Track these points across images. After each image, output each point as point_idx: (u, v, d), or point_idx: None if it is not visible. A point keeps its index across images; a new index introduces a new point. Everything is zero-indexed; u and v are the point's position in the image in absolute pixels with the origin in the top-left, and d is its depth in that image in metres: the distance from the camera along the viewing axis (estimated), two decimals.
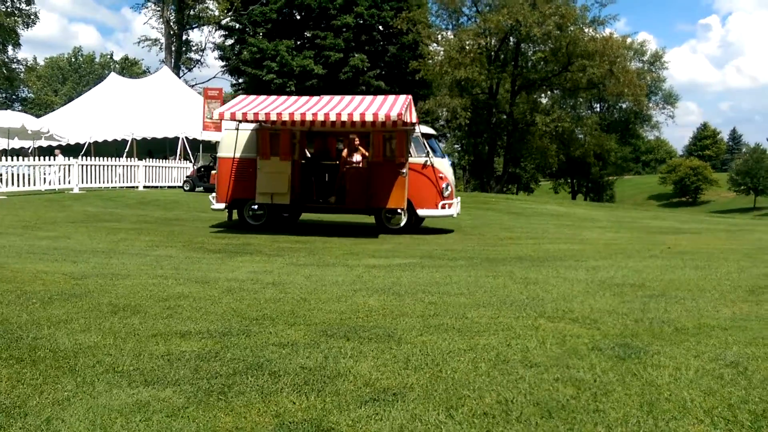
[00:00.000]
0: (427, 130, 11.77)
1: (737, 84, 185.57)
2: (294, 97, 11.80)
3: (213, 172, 21.04)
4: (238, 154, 11.61)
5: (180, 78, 40.01)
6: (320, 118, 10.29)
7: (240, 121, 11.12)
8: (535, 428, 2.25)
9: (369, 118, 10.10)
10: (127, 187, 21.08)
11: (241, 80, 44.03)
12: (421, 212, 11.28)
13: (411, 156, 11.07)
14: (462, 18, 40.32)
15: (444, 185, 11.30)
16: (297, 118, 10.40)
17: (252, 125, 11.56)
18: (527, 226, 13.12)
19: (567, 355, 3.11)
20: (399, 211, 11.37)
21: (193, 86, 43.89)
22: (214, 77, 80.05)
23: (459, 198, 11.99)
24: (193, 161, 23.18)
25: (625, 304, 4.30)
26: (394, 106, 10.44)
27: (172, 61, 42.71)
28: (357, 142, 11.25)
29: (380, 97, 11.32)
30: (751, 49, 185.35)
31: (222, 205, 11.77)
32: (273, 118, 10.41)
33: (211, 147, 25.24)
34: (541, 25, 33.75)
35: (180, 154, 24.23)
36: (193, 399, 2.59)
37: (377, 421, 2.33)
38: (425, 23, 38.75)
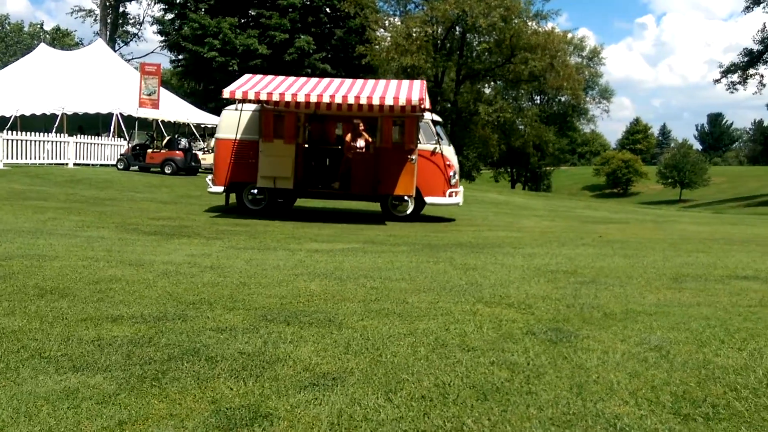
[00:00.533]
0: (433, 116, 11.52)
1: (668, 82, 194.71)
2: (303, 79, 11.36)
3: (149, 150, 20.33)
4: (238, 136, 11.05)
5: (115, 52, 38.22)
6: (338, 101, 9.96)
7: (250, 102, 10.51)
8: (470, 410, 2.30)
9: (389, 102, 9.87)
10: (55, 164, 20.04)
11: (181, 57, 42.49)
12: (429, 200, 11.15)
13: (420, 142, 10.85)
14: (410, 5, 40.31)
15: (451, 173, 11.23)
16: (314, 100, 10.01)
17: (254, 106, 11.03)
18: (468, 214, 13.36)
19: (503, 339, 3.20)
20: (406, 198, 11.23)
21: (129, 61, 42.04)
22: (152, 52, 77.01)
23: (462, 187, 11.86)
24: (128, 139, 22.24)
25: (558, 290, 4.46)
26: (413, 91, 10.26)
27: (108, 33, 40.73)
28: (362, 127, 10.95)
29: (394, 82, 11.05)
30: (682, 49, 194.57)
31: (220, 188, 11.29)
32: (288, 99, 10.01)
33: (147, 125, 24.29)
34: (486, 16, 34.17)
35: (114, 131, 23.19)
36: (125, 385, 2.50)
37: (316, 406, 2.33)
38: (373, 8, 38.54)
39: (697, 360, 2.87)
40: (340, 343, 3.12)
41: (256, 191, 11.35)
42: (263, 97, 10.01)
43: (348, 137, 11.18)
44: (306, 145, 11.35)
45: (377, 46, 38.10)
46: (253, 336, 3.21)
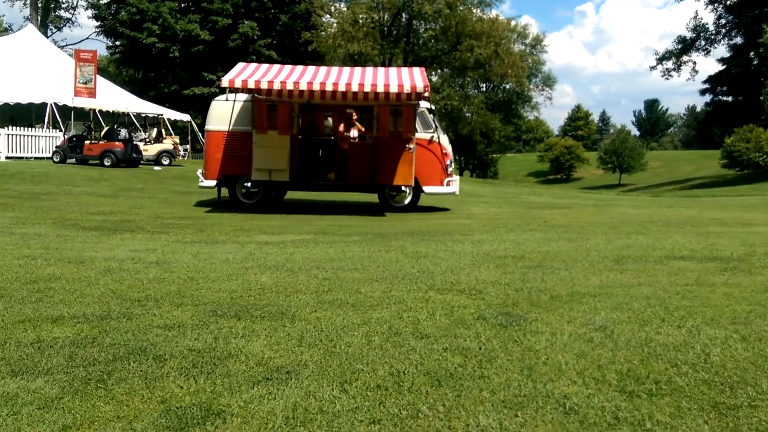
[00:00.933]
0: (427, 104, 11.28)
1: (607, 69, 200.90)
2: (299, 67, 10.93)
3: (87, 142, 19.48)
4: (230, 127, 10.58)
5: (48, 38, 36.30)
6: (342, 88, 9.62)
7: (248, 92, 10.09)
8: (425, 397, 2.33)
9: (394, 89, 9.63)
10: None
11: (118, 43, 40.88)
12: (427, 189, 10.99)
13: (417, 131, 10.61)
14: None
15: (448, 162, 11.09)
16: (317, 88, 9.63)
17: (245, 96, 10.60)
18: (419, 202, 13.45)
19: (455, 325, 3.24)
20: (404, 188, 11.06)
21: (62, 48, 40.02)
22: (87, 39, 73.55)
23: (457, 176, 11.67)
24: (63, 130, 21.25)
25: (507, 275, 4.55)
26: (415, 78, 10.01)
27: (39, 18, 38.65)
28: (355, 117, 10.67)
29: (393, 69, 10.72)
30: (620, 36, 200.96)
31: (212, 182, 10.85)
32: (290, 88, 9.60)
33: (84, 115, 23.26)
34: (432, 3, 34.32)
35: (48, 122, 22.10)
36: (68, 389, 2.40)
37: (270, 401, 2.30)
38: None
39: (640, 338, 2.99)
40: (293, 335, 3.09)
41: (249, 184, 11.00)
42: (264, 86, 9.63)
43: (341, 127, 10.89)
44: (299, 137, 10.99)
45: (323, 33, 37.71)
46: (203, 332, 3.14)
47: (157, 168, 19.49)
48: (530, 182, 58.15)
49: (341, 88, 9.69)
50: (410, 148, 10.45)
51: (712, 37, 40.84)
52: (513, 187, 26.51)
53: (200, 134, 31.16)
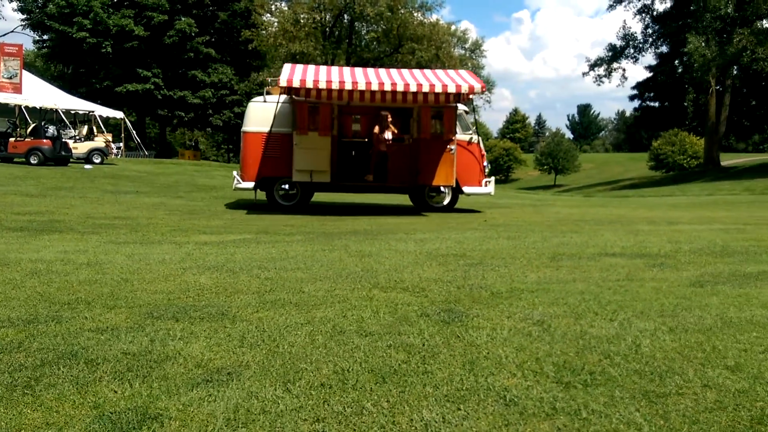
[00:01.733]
0: (464, 107, 11.33)
1: (543, 74, 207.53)
2: (346, 68, 10.78)
3: (12, 139, 18.42)
4: (269, 129, 10.45)
5: None
6: (401, 89, 9.52)
7: (304, 92, 9.93)
8: (370, 394, 2.33)
9: (452, 89, 9.62)
10: None
11: (46, 37, 38.91)
12: (466, 189, 11.05)
13: (457, 133, 10.68)
14: None
15: (485, 163, 11.20)
16: (375, 88, 9.55)
17: (282, 98, 10.49)
18: (362, 201, 13.47)
19: (399, 323, 3.26)
20: (443, 189, 11.10)
21: None
22: (12, 32, 69.53)
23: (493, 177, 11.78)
24: None
25: (449, 273, 4.62)
26: (468, 79, 10.09)
27: None
28: (390, 119, 10.61)
29: (440, 72, 10.67)
30: (554, 43, 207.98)
31: (250, 184, 10.62)
32: (348, 87, 9.48)
33: (8, 111, 21.99)
34: (373, 5, 34.44)
35: None
36: None
37: (210, 403, 2.24)
38: None
39: (575, 331, 3.10)
40: (234, 336, 3.02)
41: (287, 186, 10.86)
42: (322, 86, 9.50)
43: (376, 129, 10.79)
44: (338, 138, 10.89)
45: (264, 32, 37.16)
46: (138, 335, 3.03)
47: (87, 167, 18.65)
48: None
49: (400, 88, 9.61)
50: (451, 150, 10.60)
51: (640, 45, 42.84)
52: None
53: (134, 132, 30.08)
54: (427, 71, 10.87)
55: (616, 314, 3.42)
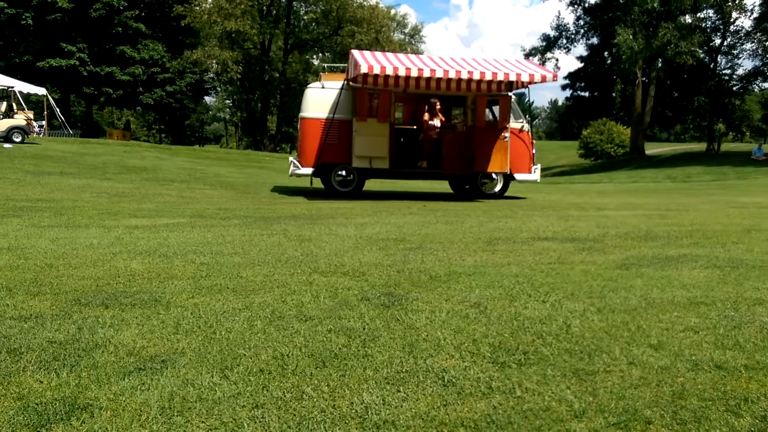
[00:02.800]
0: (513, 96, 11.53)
1: None
2: (412, 56, 10.93)
3: None
4: (328, 115, 10.62)
5: None
6: (476, 77, 9.74)
7: (382, 79, 10.20)
8: (310, 378, 2.32)
9: (525, 78, 9.93)
10: None
11: None
12: (517, 176, 11.31)
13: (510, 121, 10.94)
14: None
15: (534, 150, 11.54)
16: (453, 76, 9.74)
17: (339, 84, 10.72)
18: (302, 185, 13.31)
19: (339, 307, 3.26)
20: (494, 176, 11.35)
21: None
22: None
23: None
24: None
25: (389, 257, 4.65)
26: (537, 67, 10.50)
27: None
28: (438, 106, 10.83)
29: (504, 60, 10.85)
30: (491, 31, 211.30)
31: (309, 170, 10.58)
32: (427, 75, 9.65)
33: None
34: None
35: None
36: None
37: (144, 392, 2.17)
38: None
39: (510, 313, 3.20)
40: (169, 323, 2.93)
41: (344, 172, 10.90)
42: (402, 73, 9.53)
43: (426, 116, 10.92)
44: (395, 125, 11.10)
45: (198, 8, 35.83)
46: (65, 322, 2.89)
47: (7, 146, 17.51)
48: None
49: (476, 76, 9.83)
50: (505, 137, 10.92)
51: (572, 36, 44.18)
52: None
53: (57, 110, 28.44)
54: (485, 59, 11.48)
55: (548, 296, 3.55)
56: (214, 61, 36.40)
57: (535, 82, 10.37)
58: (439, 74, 9.74)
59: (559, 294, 3.59)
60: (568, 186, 21.65)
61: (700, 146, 44.83)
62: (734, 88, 43.60)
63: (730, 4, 37.99)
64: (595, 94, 52.81)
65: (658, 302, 3.41)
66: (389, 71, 9.59)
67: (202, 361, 2.47)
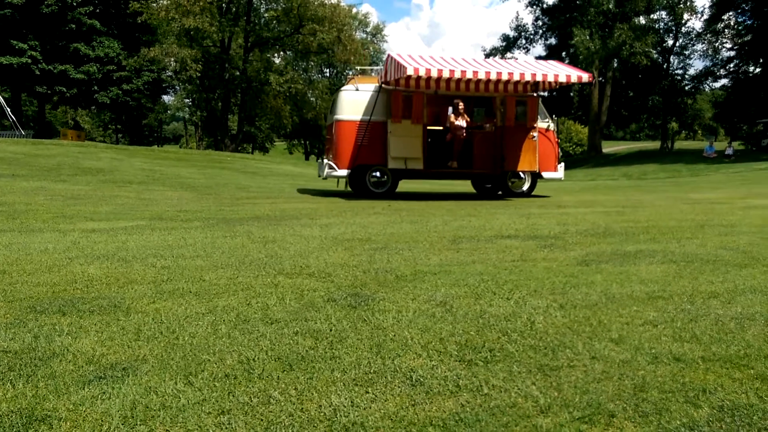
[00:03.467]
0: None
1: None
2: (447, 57, 11.07)
3: None
4: (363, 117, 10.88)
5: None
6: (516, 78, 10.10)
7: (424, 81, 10.72)
8: (277, 382, 2.29)
9: (563, 79, 10.34)
10: None
11: None
12: (545, 174, 11.68)
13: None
14: None
15: (559, 149, 11.95)
16: (493, 77, 10.06)
17: (372, 86, 11.03)
18: (264, 186, 13.18)
19: (305, 309, 3.23)
20: (522, 174, 11.70)
21: None
22: None
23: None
24: None
25: (355, 257, 4.64)
26: (571, 69, 10.88)
27: None
28: (461, 107, 11.13)
29: (542, 62, 11.35)
30: (452, 31, 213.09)
31: (345, 172, 10.98)
32: (470, 76, 9.95)
33: None
34: None
35: None
36: None
37: (105, 401, 2.11)
38: None
39: (475, 311, 3.23)
40: (129, 329, 2.86)
41: (378, 173, 11.06)
42: (446, 74, 9.83)
43: (452, 117, 11.22)
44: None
45: (155, 4, 35.03)
46: (20, 331, 2.78)
47: None
48: None
49: (516, 77, 10.13)
50: (534, 137, 11.28)
51: (531, 36, 44.99)
52: None
53: (8, 109, 27.40)
54: (514, 59, 12.23)
55: (512, 293, 3.60)
56: (173, 59, 35.64)
57: (572, 83, 11.18)
58: (481, 75, 10.13)
59: (523, 291, 3.65)
60: None
61: (655, 144, 46.28)
62: (686, 88, 45.16)
63: (681, 5, 39.29)
64: (554, 93, 53.88)
65: (617, 297, 3.49)
66: (434, 73, 9.88)
67: (165, 367, 2.42)
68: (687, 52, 44.00)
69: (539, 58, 50.86)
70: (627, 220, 7.21)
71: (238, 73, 38.86)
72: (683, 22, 41.74)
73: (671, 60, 44.47)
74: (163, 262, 4.36)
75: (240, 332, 2.84)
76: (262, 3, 39.54)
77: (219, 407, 2.08)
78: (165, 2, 35.01)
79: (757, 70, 39.33)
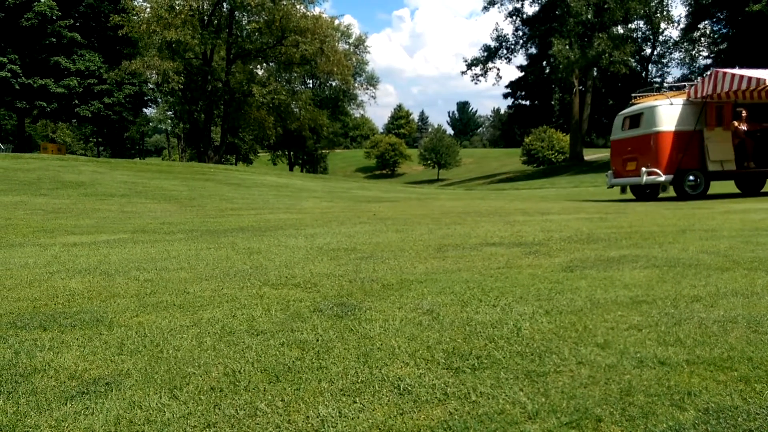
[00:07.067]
0: None
1: (425, 72, 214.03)
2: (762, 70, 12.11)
3: None
4: (682, 127, 12.24)
5: None
6: None
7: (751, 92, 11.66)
8: (263, 394, 2.27)
9: None
10: None
11: None
12: None
13: None
14: None
15: None
16: None
17: (682, 100, 12.51)
18: (248, 197, 13.11)
19: (291, 320, 3.21)
20: None
21: None
22: None
23: None
24: None
25: (341, 267, 4.63)
26: None
27: None
28: (744, 114, 12.74)
29: None
30: (433, 41, 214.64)
31: (670, 177, 12.26)
32: None
33: None
34: None
35: None
36: None
37: (87, 417, 2.07)
38: None
39: (462, 318, 3.23)
40: (112, 343, 2.81)
41: (692, 177, 12.48)
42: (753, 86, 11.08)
43: (736, 123, 12.76)
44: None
45: (136, 17, 34.88)
46: (0, 347, 2.72)
47: None
48: (359, 177, 59.79)
49: None
50: None
51: (512, 46, 45.50)
52: (342, 182, 27.03)
53: None
54: None
55: (498, 300, 3.60)
56: (154, 72, 35.44)
57: None
58: None
59: (509, 298, 3.66)
60: (513, 192, 22.17)
61: None
62: None
63: (658, 15, 40.02)
64: (536, 102, 54.51)
65: (602, 302, 3.52)
66: (753, 86, 11.11)
67: (149, 381, 2.38)
68: (665, 61, 44.87)
69: (521, 67, 51.42)
70: (610, 226, 7.28)
71: (220, 85, 38.74)
72: (660, 31, 42.54)
73: (649, 68, 45.28)
74: (146, 275, 4.31)
75: (225, 344, 2.81)
76: (244, 15, 39.52)
77: (205, 420, 2.06)
78: (146, 15, 34.86)
79: None
